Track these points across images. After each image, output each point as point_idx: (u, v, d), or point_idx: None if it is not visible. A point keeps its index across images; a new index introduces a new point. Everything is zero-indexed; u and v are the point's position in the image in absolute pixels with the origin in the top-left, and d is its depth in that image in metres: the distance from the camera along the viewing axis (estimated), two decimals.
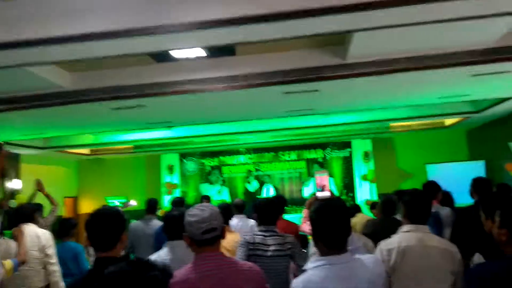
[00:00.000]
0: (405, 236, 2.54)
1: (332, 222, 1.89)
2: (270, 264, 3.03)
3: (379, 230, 3.37)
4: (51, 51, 3.23)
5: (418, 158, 10.11)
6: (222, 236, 2.05)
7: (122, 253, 2.12)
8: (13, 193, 8.94)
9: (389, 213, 3.87)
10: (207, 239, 1.97)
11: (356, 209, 6.44)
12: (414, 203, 2.59)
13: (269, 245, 3.09)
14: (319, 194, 2.73)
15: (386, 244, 2.56)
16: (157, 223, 4.98)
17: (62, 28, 2.99)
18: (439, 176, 8.47)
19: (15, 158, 9.32)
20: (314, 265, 1.90)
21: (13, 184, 9.09)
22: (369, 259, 1.99)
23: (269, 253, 3.07)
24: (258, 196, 10.69)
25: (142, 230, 4.99)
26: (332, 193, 2.76)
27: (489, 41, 4.10)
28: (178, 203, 4.88)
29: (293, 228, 4.41)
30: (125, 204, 6.24)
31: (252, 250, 3.09)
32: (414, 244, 2.48)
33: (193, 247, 2.02)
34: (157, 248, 3.08)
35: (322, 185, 2.73)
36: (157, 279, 1.27)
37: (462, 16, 3.07)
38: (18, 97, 4.92)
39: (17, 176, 9.27)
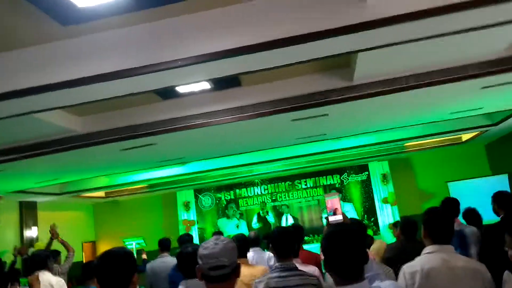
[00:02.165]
0: (428, 257, 2.41)
1: (344, 250, 1.70)
2: None
3: (401, 254, 3.23)
4: (56, 96, 3.26)
5: (438, 176, 9.85)
6: (235, 274, 1.88)
7: None
8: (31, 241, 8.94)
9: (411, 235, 3.74)
10: (214, 276, 1.83)
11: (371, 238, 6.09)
12: (435, 221, 2.47)
13: (290, 286, 2.70)
14: (331, 219, 2.49)
15: (409, 267, 2.43)
16: (172, 260, 4.92)
17: (64, 73, 3.02)
18: (462, 193, 8.23)
19: (32, 206, 9.37)
20: None
21: (31, 232, 9.11)
22: (388, 286, 1.82)
23: None
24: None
25: (159, 269, 4.94)
26: (345, 216, 2.53)
27: (497, 51, 4.02)
28: (185, 241, 4.82)
29: (315, 258, 4.23)
30: None
31: None
32: (439, 265, 2.35)
33: (204, 282, 1.89)
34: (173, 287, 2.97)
35: (334, 209, 2.49)
36: None
37: (471, 27, 3.00)
38: (30, 145, 4.97)
39: (35, 224, 9.30)
